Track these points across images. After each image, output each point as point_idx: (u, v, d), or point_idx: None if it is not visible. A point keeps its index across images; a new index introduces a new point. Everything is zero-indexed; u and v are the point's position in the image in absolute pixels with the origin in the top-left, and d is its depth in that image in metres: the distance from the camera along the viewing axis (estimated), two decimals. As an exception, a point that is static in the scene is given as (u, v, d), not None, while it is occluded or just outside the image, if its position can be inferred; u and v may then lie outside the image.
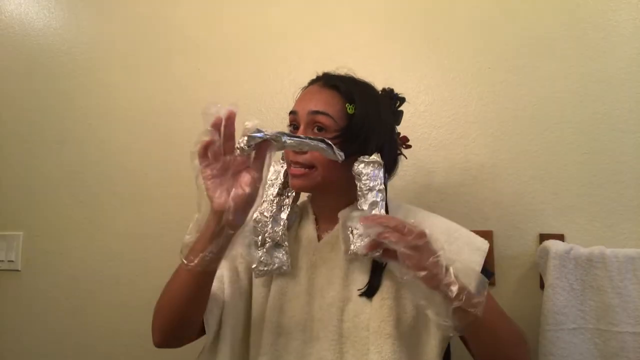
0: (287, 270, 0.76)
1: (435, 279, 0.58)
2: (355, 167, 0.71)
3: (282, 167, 0.79)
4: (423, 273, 0.57)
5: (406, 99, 0.84)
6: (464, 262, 0.65)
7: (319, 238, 0.80)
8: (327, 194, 0.78)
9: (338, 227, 0.74)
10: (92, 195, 1.33)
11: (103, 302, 1.29)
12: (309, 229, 0.81)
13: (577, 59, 1.07)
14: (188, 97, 1.29)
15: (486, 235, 1.05)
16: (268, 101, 1.24)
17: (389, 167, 0.78)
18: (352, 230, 0.67)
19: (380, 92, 0.81)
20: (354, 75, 0.80)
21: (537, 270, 1.02)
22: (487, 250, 0.75)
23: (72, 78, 1.38)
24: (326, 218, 0.81)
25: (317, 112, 0.73)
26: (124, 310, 1.27)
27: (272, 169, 0.79)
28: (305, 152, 0.72)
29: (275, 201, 0.78)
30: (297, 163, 0.73)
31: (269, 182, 0.78)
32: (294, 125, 0.77)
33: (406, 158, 0.86)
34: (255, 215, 0.75)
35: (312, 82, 0.80)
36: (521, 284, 1.05)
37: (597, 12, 1.07)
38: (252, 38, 1.27)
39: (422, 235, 0.59)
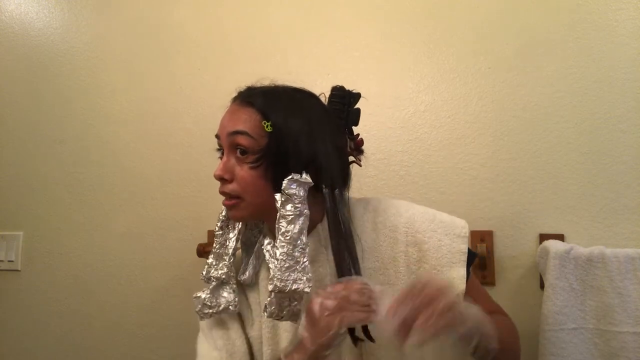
0: (234, 310, 0.72)
1: (467, 337, 0.54)
2: (285, 188, 0.63)
3: None
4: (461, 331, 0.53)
5: (360, 95, 0.75)
6: (447, 252, 0.67)
7: None
8: (269, 220, 0.69)
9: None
10: (92, 195, 1.33)
11: (103, 302, 1.29)
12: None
13: (577, 59, 1.07)
14: (188, 97, 1.29)
15: (486, 235, 1.06)
16: (268, 101, 1.24)
17: (335, 180, 0.67)
18: None
19: (310, 100, 0.74)
20: (278, 85, 0.75)
21: (537, 270, 1.02)
22: (467, 233, 0.70)
23: (72, 78, 1.38)
24: None
25: (235, 133, 0.66)
26: (124, 310, 1.27)
27: None
28: (230, 181, 0.66)
29: (218, 237, 0.73)
30: (224, 194, 0.68)
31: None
32: (220, 149, 0.71)
33: (360, 166, 0.77)
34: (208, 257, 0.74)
35: (232, 100, 0.74)
36: (521, 284, 1.05)
37: (597, 12, 1.07)
38: (252, 38, 1.27)
39: (436, 293, 0.52)
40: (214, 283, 0.72)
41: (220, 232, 0.73)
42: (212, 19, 1.30)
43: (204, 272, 0.74)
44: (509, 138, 1.10)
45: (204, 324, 0.77)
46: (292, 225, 0.62)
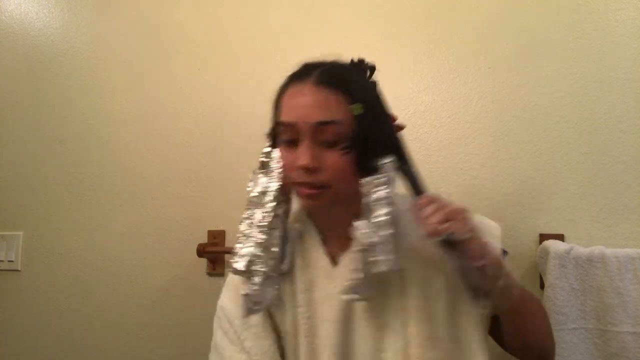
0: (277, 305, 0.69)
1: (494, 266, 0.57)
2: (386, 170, 0.62)
3: (272, 181, 0.67)
4: (485, 260, 0.56)
5: (376, 67, 0.74)
6: None
7: (334, 262, 0.70)
8: (337, 206, 0.67)
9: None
10: (92, 195, 1.33)
11: (103, 302, 1.29)
12: (317, 251, 0.70)
13: (577, 59, 1.07)
14: (188, 97, 1.29)
15: (486, 235, 1.06)
16: (268, 101, 1.24)
17: (398, 152, 0.65)
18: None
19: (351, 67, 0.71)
20: (339, 61, 0.70)
21: (537, 270, 1.02)
22: (500, 234, 0.73)
23: (72, 78, 1.38)
24: (336, 235, 0.70)
25: (325, 124, 0.61)
26: (124, 310, 1.27)
27: (258, 181, 0.68)
28: (317, 170, 0.62)
29: (264, 227, 0.66)
30: (308, 184, 0.63)
31: (253, 199, 0.67)
32: (289, 140, 0.65)
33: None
34: (243, 246, 0.66)
35: (297, 79, 0.67)
36: (521, 284, 1.05)
37: (597, 12, 1.07)
38: (252, 38, 1.27)
39: (464, 209, 0.58)
40: (259, 277, 0.64)
41: (266, 223, 0.65)
42: (212, 19, 1.30)
43: (242, 265, 0.65)
44: (509, 138, 1.09)
45: (225, 323, 0.72)
46: (387, 209, 0.60)
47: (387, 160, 0.62)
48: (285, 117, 0.65)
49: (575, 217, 1.04)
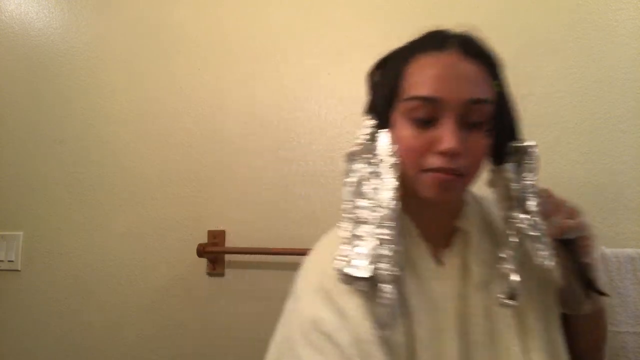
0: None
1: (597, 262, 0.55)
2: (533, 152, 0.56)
3: (387, 167, 0.56)
4: (593, 257, 0.54)
5: None
6: None
7: (438, 261, 0.61)
8: (442, 203, 0.60)
9: (466, 240, 0.60)
10: (92, 195, 1.33)
11: (103, 302, 1.29)
12: (419, 250, 0.61)
13: (577, 59, 1.07)
14: (188, 97, 1.29)
15: (486, 235, 1.06)
16: (268, 101, 1.24)
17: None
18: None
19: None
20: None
21: (537, 270, 1.02)
22: None
23: (72, 78, 1.38)
24: (436, 231, 0.62)
25: (479, 102, 0.53)
26: (124, 310, 1.27)
27: (362, 164, 0.57)
28: (461, 155, 0.53)
29: (391, 225, 0.54)
30: (451, 170, 0.54)
31: (358, 183, 0.57)
32: (423, 120, 0.54)
33: None
34: (352, 247, 0.54)
35: (432, 47, 0.57)
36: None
37: (597, 12, 1.07)
38: (252, 38, 1.27)
39: (577, 209, 0.55)
40: (388, 283, 0.53)
41: (393, 215, 0.54)
42: (212, 19, 1.30)
43: (366, 269, 0.52)
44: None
45: (323, 341, 0.55)
46: (537, 199, 0.55)
47: (533, 144, 0.56)
48: (423, 91, 0.54)
49: (575, 217, 1.03)
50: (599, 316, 0.62)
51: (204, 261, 1.22)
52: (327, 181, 1.19)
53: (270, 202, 1.21)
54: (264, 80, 1.25)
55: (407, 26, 1.18)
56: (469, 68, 0.55)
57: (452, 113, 0.53)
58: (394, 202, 0.54)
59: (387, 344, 0.54)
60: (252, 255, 1.20)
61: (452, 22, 1.15)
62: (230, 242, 1.22)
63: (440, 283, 0.59)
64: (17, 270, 1.35)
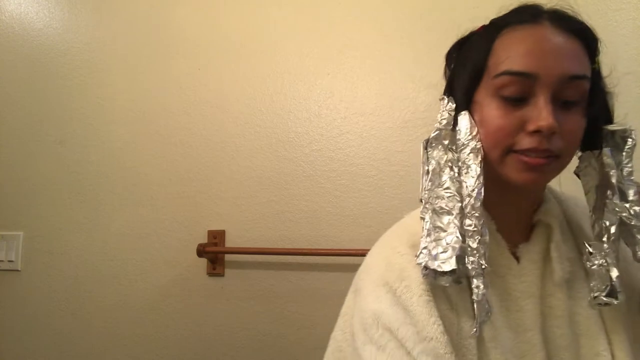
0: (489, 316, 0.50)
1: None
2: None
3: (470, 153, 0.51)
4: None
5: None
6: None
7: (516, 257, 0.56)
8: (526, 192, 0.56)
9: (549, 236, 0.55)
10: (92, 195, 1.33)
11: (103, 302, 1.29)
12: (497, 245, 0.56)
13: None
14: (188, 97, 1.29)
15: (486, 235, 1.06)
16: (268, 101, 1.24)
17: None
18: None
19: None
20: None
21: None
22: None
23: (72, 78, 1.38)
24: (514, 224, 0.57)
25: (577, 77, 0.49)
26: (124, 310, 1.27)
27: (441, 151, 0.53)
28: (554, 135, 0.49)
29: (476, 206, 0.50)
30: (544, 151, 0.49)
31: (437, 170, 0.53)
32: (515, 98, 0.50)
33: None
34: (432, 239, 0.51)
35: (523, 20, 0.53)
36: None
37: (597, 12, 1.07)
38: (252, 38, 1.27)
39: None
40: (479, 277, 0.49)
41: (479, 204, 0.50)
42: (212, 19, 1.30)
43: (450, 262, 0.49)
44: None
45: (386, 337, 0.51)
46: (636, 187, 0.51)
47: (633, 128, 0.52)
48: (517, 65, 0.50)
49: (575, 217, 1.03)
50: None
51: (204, 261, 1.22)
52: (327, 181, 1.19)
53: (270, 202, 1.21)
54: (264, 80, 1.25)
55: (407, 26, 1.19)
56: (564, 42, 0.50)
57: (547, 90, 0.48)
58: (478, 190, 0.50)
59: (454, 343, 0.50)
60: (252, 255, 1.20)
61: (452, 22, 1.15)
62: (230, 242, 1.22)
63: (519, 280, 0.55)
64: (17, 270, 1.35)
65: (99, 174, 1.33)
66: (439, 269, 0.48)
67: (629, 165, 0.51)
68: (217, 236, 1.22)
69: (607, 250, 0.50)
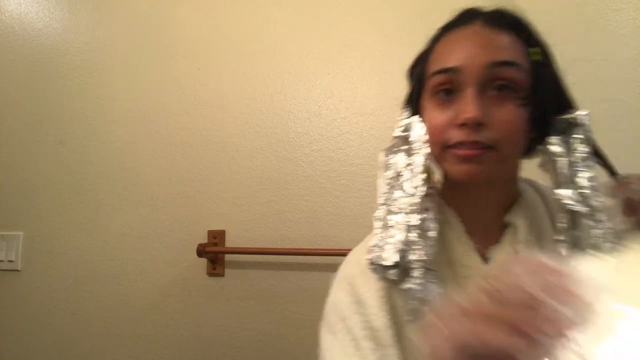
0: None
1: None
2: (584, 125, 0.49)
3: (418, 154, 0.54)
4: None
5: None
6: None
7: (484, 258, 0.55)
8: (489, 189, 0.55)
9: (514, 234, 0.54)
10: (92, 195, 1.33)
11: (103, 302, 1.29)
12: (463, 245, 0.55)
13: (577, 59, 1.07)
14: (188, 97, 1.29)
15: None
16: (268, 101, 1.24)
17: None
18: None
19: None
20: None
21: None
22: None
23: (72, 78, 1.38)
24: (483, 225, 0.56)
25: (502, 64, 0.50)
26: (124, 310, 1.27)
27: (393, 160, 0.56)
28: (484, 126, 0.49)
29: (417, 205, 0.52)
30: (473, 143, 0.49)
31: (390, 182, 0.55)
32: (446, 90, 0.52)
33: None
34: (385, 235, 0.52)
35: (457, 25, 0.57)
36: None
37: (597, 12, 1.07)
38: (252, 38, 1.27)
39: None
40: (419, 269, 0.50)
41: (418, 200, 0.52)
42: (212, 19, 1.30)
43: (393, 257, 0.50)
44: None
45: (338, 323, 0.55)
46: (591, 173, 0.50)
47: (583, 113, 0.50)
48: (443, 63, 0.52)
49: (575, 217, 1.04)
50: None
51: (204, 261, 1.22)
52: (327, 181, 1.19)
53: (270, 202, 1.21)
54: (264, 80, 1.25)
55: (407, 26, 1.19)
56: (493, 36, 0.52)
57: (473, 82, 0.50)
58: (421, 187, 0.52)
59: (407, 339, 0.51)
60: (252, 255, 1.20)
61: (452, 22, 1.15)
62: (230, 242, 1.22)
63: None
64: (17, 270, 1.35)
65: (99, 174, 1.33)
66: (384, 263, 0.51)
67: (583, 149, 0.50)
68: (217, 236, 1.22)
69: (563, 243, 0.49)
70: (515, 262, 0.31)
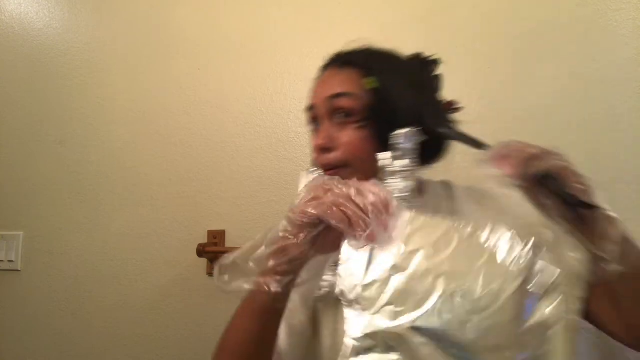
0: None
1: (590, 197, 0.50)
2: (399, 142, 0.56)
3: (313, 174, 0.64)
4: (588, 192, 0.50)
5: (441, 60, 0.73)
6: None
7: None
8: None
9: None
10: (92, 195, 1.33)
11: (103, 302, 1.29)
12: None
13: (577, 59, 1.07)
14: (188, 97, 1.29)
15: (486, 235, 1.06)
16: (268, 101, 1.24)
17: (432, 145, 0.64)
18: None
19: (406, 59, 0.71)
20: (371, 46, 0.71)
21: (537, 270, 1.02)
22: None
23: (72, 78, 1.38)
24: None
25: (337, 96, 0.61)
26: (124, 310, 1.27)
27: (307, 178, 0.65)
28: (332, 150, 0.61)
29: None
30: (325, 165, 0.61)
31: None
32: (315, 122, 0.65)
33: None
34: None
35: (324, 68, 0.69)
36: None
37: (597, 12, 1.07)
38: (252, 38, 1.27)
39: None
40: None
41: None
42: (212, 19, 1.30)
43: None
44: (509, 138, 1.09)
45: None
46: (407, 184, 0.55)
47: (400, 132, 0.56)
48: (308, 102, 0.66)
49: (575, 217, 1.03)
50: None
51: (204, 261, 1.22)
52: (327, 181, 1.19)
53: (270, 202, 1.21)
54: (264, 80, 1.25)
55: (407, 26, 1.19)
56: (334, 73, 0.65)
57: (322, 114, 0.63)
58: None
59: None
60: (252, 255, 1.20)
61: (452, 22, 1.15)
62: (230, 242, 1.22)
63: None
64: (17, 270, 1.35)
65: (99, 174, 1.33)
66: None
67: (398, 163, 0.55)
68: (217, 236, 1.22)
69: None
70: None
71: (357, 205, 0.46)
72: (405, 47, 1.18)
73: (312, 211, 0.46)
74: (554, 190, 0.52)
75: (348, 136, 0.61)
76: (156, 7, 1.34)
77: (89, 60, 1.38)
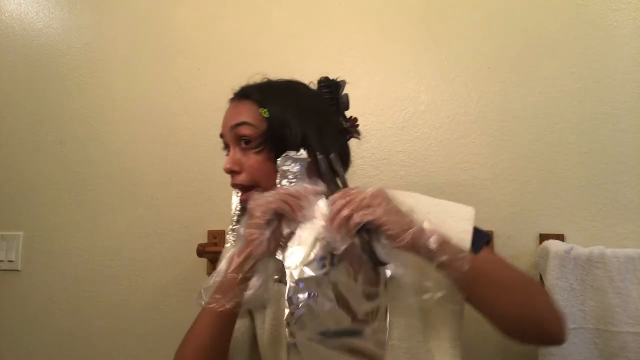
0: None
1: (415, 238, 0.55)
2: (280, 165, 0.67)
3: (236, 195, 0.77)
4: (404, 235, 0.55)
5: (345, 81, 0.83)
6: (450, 232, 0.60)
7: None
8: None
9: None
10: (92, 195, 1.33)
11: (103, 302, 1.29)
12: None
13: (577, 59, 1.07)
14: (188, 97, 1.29)
15: (486, 235, 1.06)
16: (268, 101, 1.24)
17: (329, 149, 0.71)
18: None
19: (302, 88, 0.82)
20: (270, 79, 0.81)
21: (537, 270, 1.02)
22: (473, 217, 0.70)
23: (72, 78, 1.38)
24: None
25: (237, 125, 0.71)
26: (124, 310, 1.27)
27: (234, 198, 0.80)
28: (240, 173, 0.71)
29: (235, 231, 0.78)
30: (236, 186, 0.73)
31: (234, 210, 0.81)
32: (227, 148, 0.75)
33: (358, 139, 0.82)
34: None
35: (230, 101, 0.79)
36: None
37: (597, 12, 1.07)
38: (252, 38, 1.27)
39: (378, 194, 0.58)
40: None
41: (237, 225, 0.76)
42: (212, 19, 1.30)
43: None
44: (509, 138, 1.09)
45: None
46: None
47: (285, 155, 0.67)
48: (220, 131, 0.75)
49: (575, 217, 1.04)
50: (482, 277, 0.61)
51: (204, 261, 1.22)
52: (327, 181, 1.19)
53: (270, 202, 1.21)
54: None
55: (407, 26, 1.19)
56: (235, 105, 0.75)
57: (229, 141, 0.72)
58: (233, 217, 0.82)
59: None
60: (252, 255, 1.20)
61: (452, 23, 1.15)
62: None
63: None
64: (17, 270, 1.35)
65: (99, 174, 1.33)
66: None
67: (284, 183, 0.67)
68: (217, 236, 1.22)
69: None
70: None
71: (294, 196, 0.62)
72: (405, 47, 1.19)
73: (272, 206, 0.61)
74: (367, 245, 0.59)
75: (250, 160, 0.70)
76: (156, 7, 1.34)
77: (89, 60, 1.38)
